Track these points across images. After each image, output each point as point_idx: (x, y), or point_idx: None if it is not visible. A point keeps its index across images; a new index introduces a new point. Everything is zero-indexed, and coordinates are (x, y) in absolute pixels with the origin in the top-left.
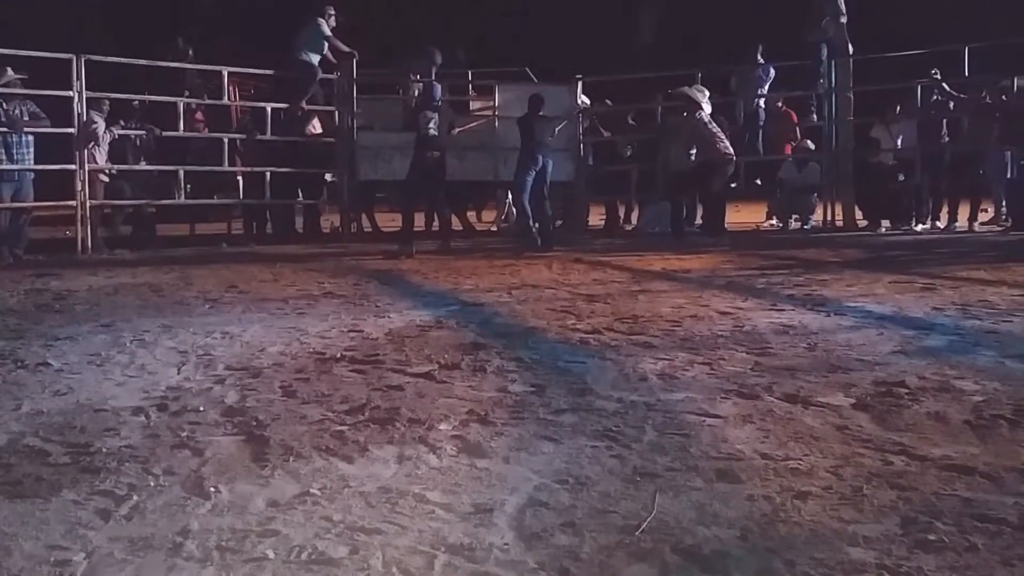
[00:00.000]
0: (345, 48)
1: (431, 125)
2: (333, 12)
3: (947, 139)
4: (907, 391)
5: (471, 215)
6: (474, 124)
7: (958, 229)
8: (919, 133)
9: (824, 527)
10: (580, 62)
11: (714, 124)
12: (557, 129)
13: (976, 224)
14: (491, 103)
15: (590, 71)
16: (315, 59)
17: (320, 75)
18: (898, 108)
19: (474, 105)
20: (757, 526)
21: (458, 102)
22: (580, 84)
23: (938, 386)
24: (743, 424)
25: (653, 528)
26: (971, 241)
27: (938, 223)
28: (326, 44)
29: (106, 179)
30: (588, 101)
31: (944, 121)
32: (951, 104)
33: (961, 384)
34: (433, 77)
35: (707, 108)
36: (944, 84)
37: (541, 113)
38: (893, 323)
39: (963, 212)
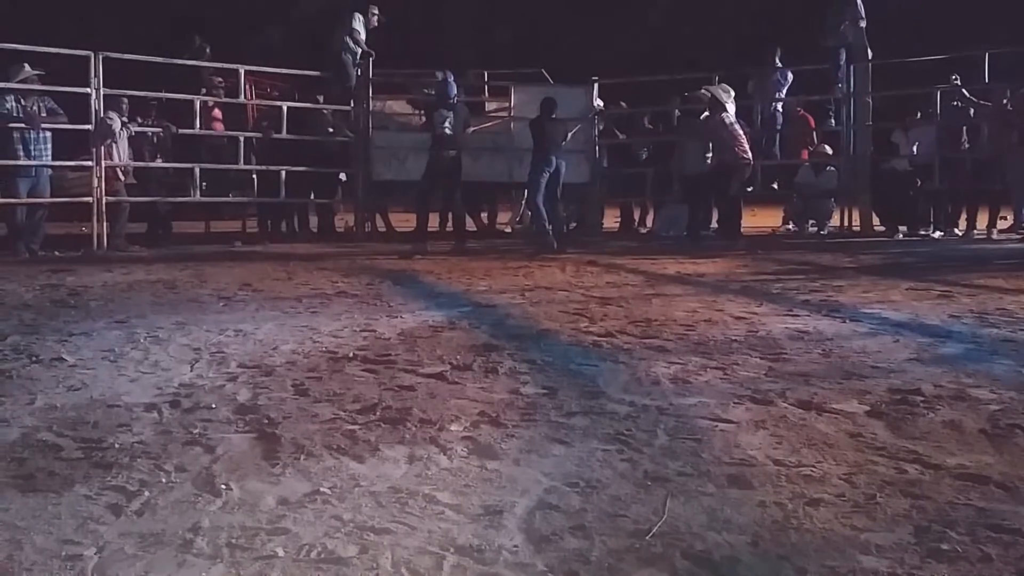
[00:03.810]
0: (363, 47)
1: (446, 124)
2: (376, 12)
3: (967, 145)
4: (922, 399)
5: (484, 216)
6: (489, 125)
7: (976, 236)
8: (939, 139)
9: (836, 535)
10: (596, 63)
11: (736, 126)
12: (570, 134)
13: (995, 231)
14: (506, 104)
15: (606, 73)
16: (347, 56)
17: (355, 72)
18: (918, 114)
19: (489, 106)
20: (768, 532)
21: (473, 103)
22: (596, 86)
23: (954, 394)
24: (756, 430)
25: (663, 533)
26: (989, 249)
27: (956, 230)
28: (349, 39)
29: (123, 179)
30: (602, 103)
31: (964, 127)
32: (971, 110)
33: (977, 393)
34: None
35: (731, 109)
36: (964, 90)
37: (553, 116)
38: (909, 330)
39: (982, 219)
